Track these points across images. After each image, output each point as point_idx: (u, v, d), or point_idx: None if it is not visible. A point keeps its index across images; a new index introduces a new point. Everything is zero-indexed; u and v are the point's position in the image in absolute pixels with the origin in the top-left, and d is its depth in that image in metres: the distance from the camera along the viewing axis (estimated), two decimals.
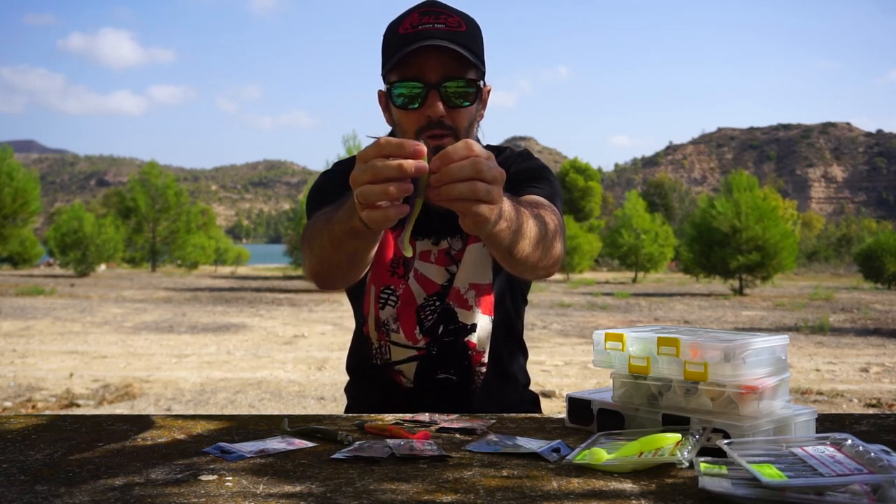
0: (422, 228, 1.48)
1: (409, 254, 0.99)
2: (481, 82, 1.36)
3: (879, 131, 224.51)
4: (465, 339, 1.48)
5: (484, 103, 1.43)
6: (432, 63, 1.30)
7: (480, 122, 1.44)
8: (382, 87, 1.41)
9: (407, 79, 1.32)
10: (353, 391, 1.64)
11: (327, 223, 1.17)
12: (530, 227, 1.14)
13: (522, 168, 1.49)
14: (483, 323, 1.50)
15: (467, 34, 1.33)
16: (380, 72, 1.39)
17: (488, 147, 1.53)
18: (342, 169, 1.56)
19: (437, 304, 1.48)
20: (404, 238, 0.98)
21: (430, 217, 1.47)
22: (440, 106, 1.30)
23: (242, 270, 41.54)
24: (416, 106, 1.32)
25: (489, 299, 1.50)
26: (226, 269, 41.90)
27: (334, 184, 1.51)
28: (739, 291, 21.77)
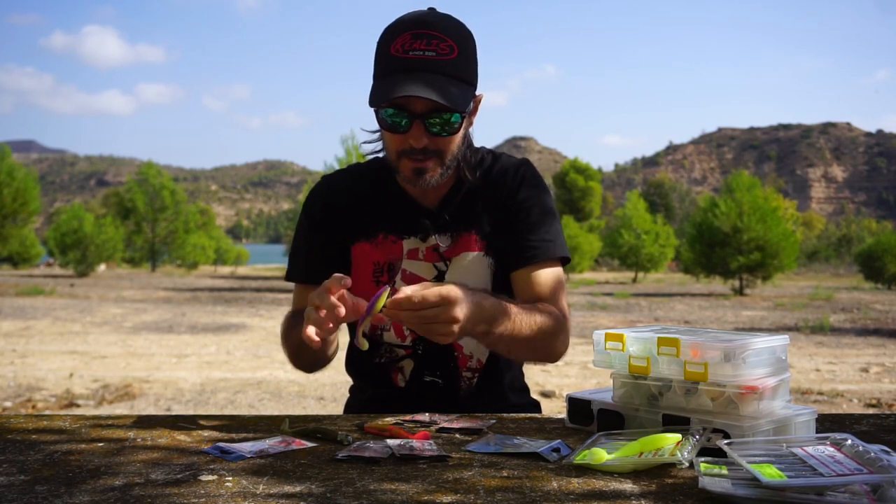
0: (410, 226, 1.49)
1: (364, 348, 1.20)
2: (469, 105, 1.37)
3: (879, 131, 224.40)
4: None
5: (475, 110, 1.45)
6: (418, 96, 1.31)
7: (471, 128, 1.48)
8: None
9: (393, 106, 1.33)
10: (352, 389, 1.66)
11: (290, 331, 1.44)
12: (520, 329, 1.30)
13: (526, 198, 1.49)
14: None
15: (457, 61, 1.32)
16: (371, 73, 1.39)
17: (482, 152, 1.53)
18: (330, 183, 1.59)
19: None
20: (358, 336, 1.19)
21: (420, 214, 1.48)
22: (423, 137, 1.34)
23: (242, 270, 41.56)
24: (401, 131, 1.35)
25: None
26: (226, 269, 41.92)
27: (322, 198, 1.55)
28: (740, 291, 21.78)
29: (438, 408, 1.43)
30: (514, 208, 1.48)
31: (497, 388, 1.54)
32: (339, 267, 1.52)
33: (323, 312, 1.15)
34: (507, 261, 1.48)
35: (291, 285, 1.59)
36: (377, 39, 1.37)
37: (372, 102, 1.34)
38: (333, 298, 1.15)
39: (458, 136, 1.40)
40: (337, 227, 1.52)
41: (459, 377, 1.49)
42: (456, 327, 1.15)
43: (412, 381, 1.50)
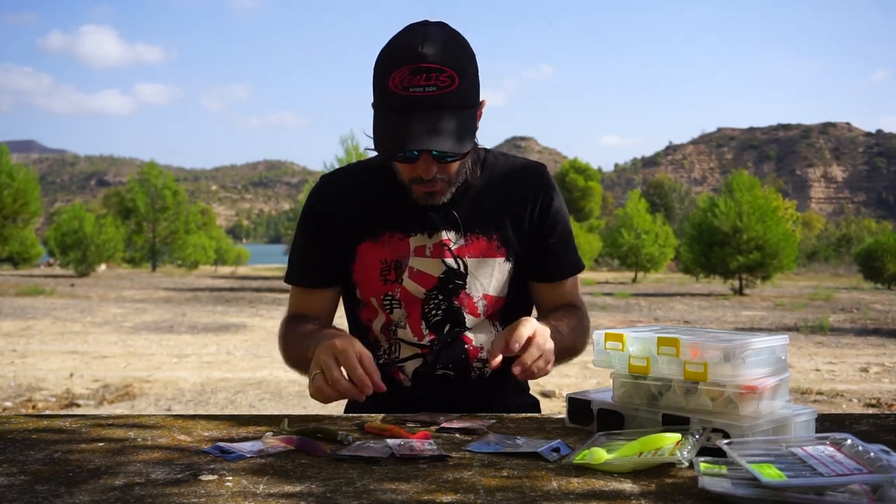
0: (416, 223, 1.48)
1: None
2: (474, 129, 1.36)
3: (879, 131, 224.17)
4: (463, 334, 1.50)
5: (479, 116, 1.42)
6: None
7: (476, 131, 1.44)
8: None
9: None
10: None
11: (295, 346, 1.45)
12: (564, 345, 1.41)
13: (557, 211, 1.54)
14: (487, 326, 1.52)
15: (459, 90, 1.29)
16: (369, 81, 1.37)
17: (488, 152, 1.53)
18: (330, 184, 1.57)
19: (440, 298, 1.48)
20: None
21: (427, 209, 1.47)
22: (432, 167, 1.34)
23: (242, 270, 41.57)
24: (410, 163, 1.35)
25: (497, 308, 1.52)
26: (226, 269, 41.92)
27: (324, 201, 1.54)
28: (739, 291, 21.78)
29: (446, 402, 1.44)
30: (549, 221, 1.53)
31: (503, 382, 1.55)
32: (340, 268, 1.52)
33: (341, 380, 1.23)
34: (534, 272, 1.54)
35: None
36: (374, 63, 1.33)
37: (377, 151, 1.33)
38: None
39: (463, 160, 1.42)
40: (340, 228, 1.51)
41: (470, 368, 1.51)
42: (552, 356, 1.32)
43: (419, 377, 1.50)
